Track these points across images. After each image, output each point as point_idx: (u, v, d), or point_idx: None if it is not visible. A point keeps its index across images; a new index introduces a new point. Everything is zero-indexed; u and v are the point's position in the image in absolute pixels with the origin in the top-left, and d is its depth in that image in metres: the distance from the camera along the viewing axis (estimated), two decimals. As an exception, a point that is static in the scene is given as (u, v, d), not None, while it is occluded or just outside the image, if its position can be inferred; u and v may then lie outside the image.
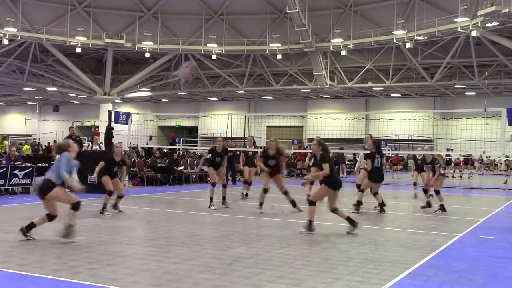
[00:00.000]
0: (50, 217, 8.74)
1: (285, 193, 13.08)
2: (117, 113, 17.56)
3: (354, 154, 36.90)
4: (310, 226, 9.84)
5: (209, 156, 13.98)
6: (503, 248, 9.00)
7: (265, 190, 12.99)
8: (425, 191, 14.74)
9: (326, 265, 7.28)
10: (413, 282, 6.46)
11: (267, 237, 9.30)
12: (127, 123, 17.51)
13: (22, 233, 8.59)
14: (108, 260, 7.05)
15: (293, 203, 13.02)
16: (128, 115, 17.61)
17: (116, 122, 17.41)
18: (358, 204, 13.49)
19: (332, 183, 9.88)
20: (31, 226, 8.68)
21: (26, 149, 23.83)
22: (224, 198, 13.69)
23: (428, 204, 14.45)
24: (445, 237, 9.74)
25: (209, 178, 14.49)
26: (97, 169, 12.34)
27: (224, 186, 13.95)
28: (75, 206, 8.73)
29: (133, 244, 8.41)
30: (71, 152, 8.89)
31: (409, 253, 8.25)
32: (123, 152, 13.19)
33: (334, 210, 10.03)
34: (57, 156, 8.90)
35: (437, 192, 14.24)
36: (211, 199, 13.52)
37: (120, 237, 9.03)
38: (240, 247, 8.31)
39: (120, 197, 12.33)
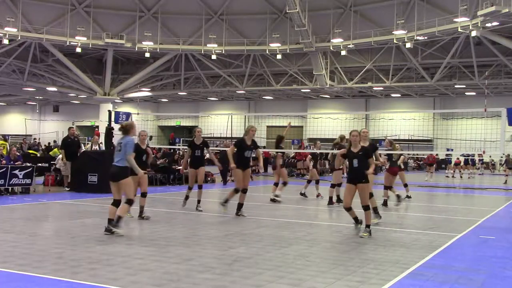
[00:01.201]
0: (117, 202, 9.18)
1: (200, 186, 12.75)
2: (117, 113, 17.57)
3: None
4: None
5: (189, 150, 12.95)
6: (503, 248, 9.00)
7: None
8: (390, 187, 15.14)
9: (326, 265, 7.29)
10: (413, 282, 6.46)
11: (267, 237, 9.29)
12: (127, 123, 17.49)
13: (115, 228, 8.99)
14: (108, 260, 7.06)
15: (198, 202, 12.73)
16: (128, 115, 17.63)
17: (116, 122, 17.39)
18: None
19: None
20: (119, 219, 9.11)
21: (54, 152, 23.90)
22: (199, 201, 12.80)
23: (398, 198, 14.74)
24: (445, 237, 9.74)
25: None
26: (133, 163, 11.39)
27: (200, 187, 12.88)
28: (131, 202, 9.27)
29: (133, 244, 8.41)
30: (130, 134, 9.27)
31: (409, 253, 8.25)
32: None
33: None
34: (121, 139, 9.27)
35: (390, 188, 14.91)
36: (186, 197, 13.01)
37: (120, 237, 9.02)
38: (240, 247, 8.31)
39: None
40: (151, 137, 51.31)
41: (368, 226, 9.68)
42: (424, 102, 54.24)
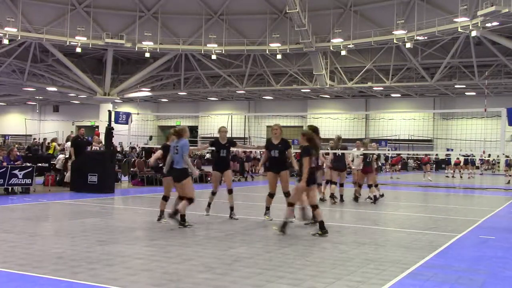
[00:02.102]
0: (185, 198, 10.07)
1: (230, 191, 11.56)
2: (117, 113, 17.55)
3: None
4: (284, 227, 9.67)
5: (213, 149, 11.92)
6: (503, 248, 8.99)
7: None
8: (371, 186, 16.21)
9: (326, 265, 7.28)
10: (413, 282, 6.46)
11: (267, 237, 9.30)
12: (127, 123, 17.51)
13: (177, 223, 9.99)
14: (108, 260, 7.05)
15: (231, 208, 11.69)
16: (128, 115, 17.61)
17: (116, 122, 17.40)
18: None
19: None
20: (183, 217, 10.06)
21: (53, 147, 23.95)
22: (232, 208, 11.62)
23: (356, 198, 16.23)
24: (445, 237, 9.74)
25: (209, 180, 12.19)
26: (153, 158, 12.26)
27: (230, 192, 11.55)
28: (192, 200, 10.07)
29: (133, 244, 8.41)
30: (184, 137, 10.16)
31: (409, 253, 8.25)
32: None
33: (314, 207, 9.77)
34: (176, 143, 10.08)
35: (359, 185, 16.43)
36: (209, 204, 11.86)
37: (120, 237, 9.03)
38: (240, 247, 8.32)
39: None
40: (151, 137, 51.47)
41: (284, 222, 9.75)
42: (424, 102, 54.23)
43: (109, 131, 17.34)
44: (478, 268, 7.44)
